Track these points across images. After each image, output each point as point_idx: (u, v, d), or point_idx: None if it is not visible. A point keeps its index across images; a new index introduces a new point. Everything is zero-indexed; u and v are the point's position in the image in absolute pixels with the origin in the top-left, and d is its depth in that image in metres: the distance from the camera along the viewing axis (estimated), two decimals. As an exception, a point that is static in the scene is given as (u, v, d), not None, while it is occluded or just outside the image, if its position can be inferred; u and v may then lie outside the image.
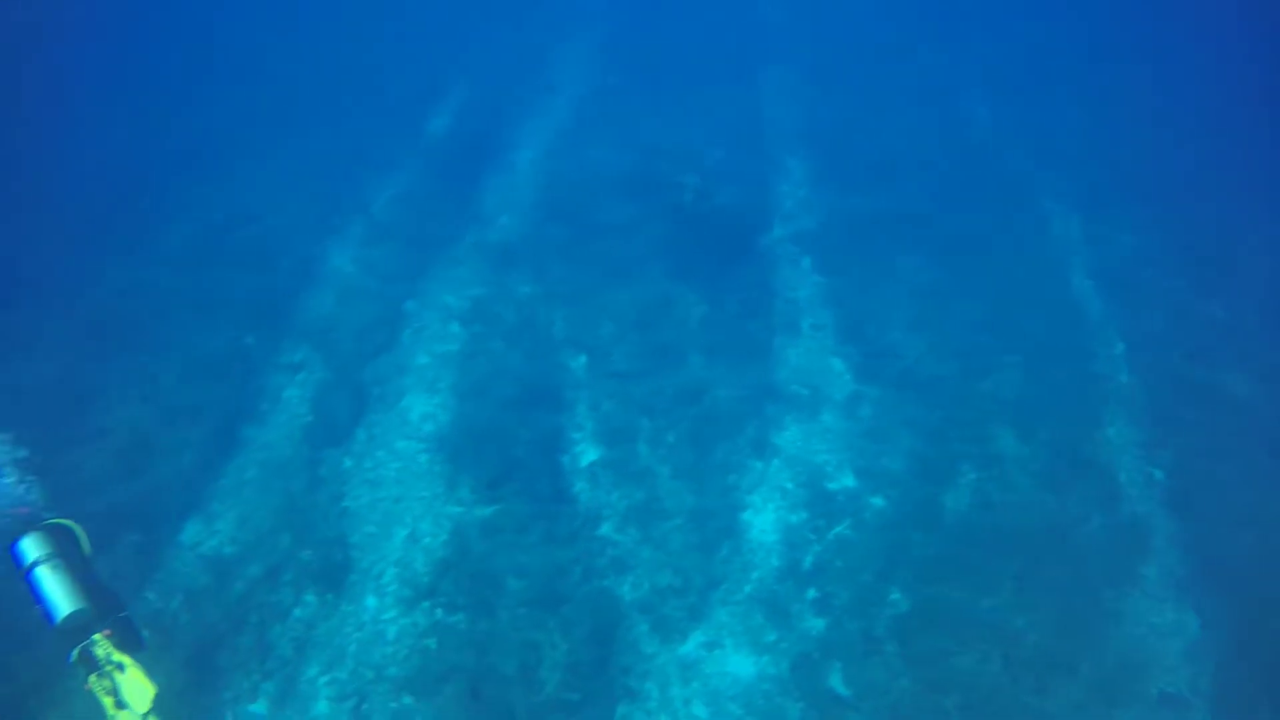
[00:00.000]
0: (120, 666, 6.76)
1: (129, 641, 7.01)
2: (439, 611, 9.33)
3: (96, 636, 6.80)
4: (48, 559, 6.87)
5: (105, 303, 13.98)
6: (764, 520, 10.24)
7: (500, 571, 9.61)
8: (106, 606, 6.98)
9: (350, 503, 10.58)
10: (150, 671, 7.01)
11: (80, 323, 13.47)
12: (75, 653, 6.73)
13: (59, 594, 6.75)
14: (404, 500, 10.56)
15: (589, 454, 11.09)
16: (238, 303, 13.85)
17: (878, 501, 10.38)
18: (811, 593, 9.39)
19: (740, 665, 8.77)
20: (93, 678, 6.67)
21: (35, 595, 6.78)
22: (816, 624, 9.09)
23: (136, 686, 6.71)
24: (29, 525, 7.21)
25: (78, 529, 7.46)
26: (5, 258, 14.97)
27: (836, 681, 8.58)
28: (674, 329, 13.13)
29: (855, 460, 10.95)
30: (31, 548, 6.94)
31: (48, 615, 6.74)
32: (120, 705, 6.62)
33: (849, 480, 10.69)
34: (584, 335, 12.98)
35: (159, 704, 6.88)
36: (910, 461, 10.90)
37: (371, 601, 9.51)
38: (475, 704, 8.47)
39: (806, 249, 15.06)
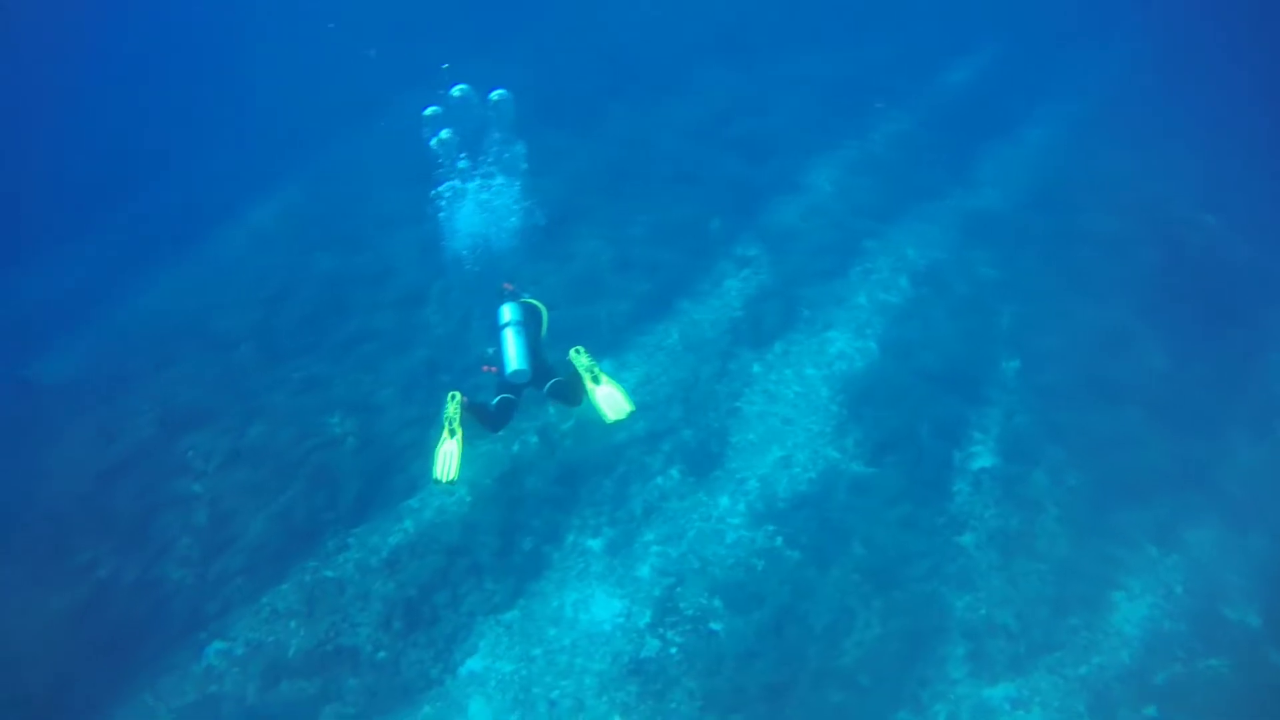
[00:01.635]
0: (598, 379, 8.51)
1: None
2: (779, 539, 9.69)
3: (578, 347, 8.71)
4: (516, 324, 8.50)
5: (616, 150, 15.48)
6: (1134, 610, 9.37)
7: (851, 530, 9.72)
8: (544, 378, 8.58)
9: (744, 405, 11.13)
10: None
11: (597, 162, 15.08)
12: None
13: (515, 353, 8.33)
14: (792, 424, 10.91)
15: (983, 459, 10.70)
16: (714, 184, 14.68)
17: (1277, 657, 9.05)
18: (1151, 710, 8.53)
19: (1039, 740, 8.31)
20: (576, 350, 8.66)
21: (499, 348, 8.42)
22: (1142, 745, 8.31)
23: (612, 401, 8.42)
24: (513, 296, 8.95)
25: (544, 312, 9.09)
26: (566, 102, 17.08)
27: (1134, 818, 7.87)
28: (1124, 369, 12.01)
29: (1271, 599, 9.54)
30: (507, 312, 8.59)
31: (501, 366, 8.38)
32: (595, 380, 8.43)
33: (1253, 617, 9.39)
34: (1027, 338, 12.30)
35: None
36: (1339, 631, 9.31)
37: (724, 501, 10.08)
38: (774, 639, 8.81)
39: (1325, 346, 12.93)
